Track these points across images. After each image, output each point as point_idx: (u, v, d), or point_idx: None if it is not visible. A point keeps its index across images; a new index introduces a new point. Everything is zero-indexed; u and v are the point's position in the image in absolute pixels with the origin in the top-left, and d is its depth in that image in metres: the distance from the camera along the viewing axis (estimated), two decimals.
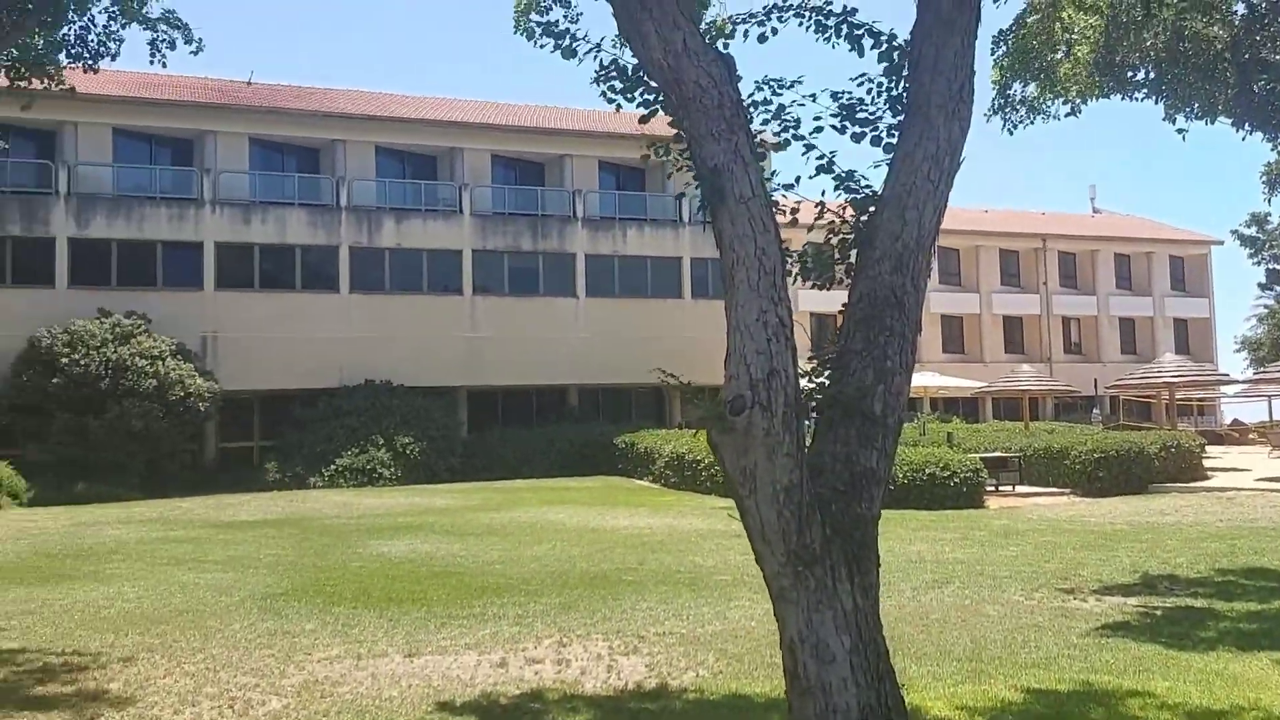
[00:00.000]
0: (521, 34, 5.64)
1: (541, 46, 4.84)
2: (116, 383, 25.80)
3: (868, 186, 4.93)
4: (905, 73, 4.96)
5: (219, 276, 30.20)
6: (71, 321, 26.60)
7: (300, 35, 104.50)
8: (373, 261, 32.20)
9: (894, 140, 4.89)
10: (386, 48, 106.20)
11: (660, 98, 4.52)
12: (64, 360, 25.77)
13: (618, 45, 4.85)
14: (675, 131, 4.38)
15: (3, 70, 9.19)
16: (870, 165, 4.97)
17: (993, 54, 14.76)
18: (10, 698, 6.71)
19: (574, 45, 4.89)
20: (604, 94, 4.85)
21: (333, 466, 27.89)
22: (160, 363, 26.59)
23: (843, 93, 5.12)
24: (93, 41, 8.91)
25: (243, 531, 17.82)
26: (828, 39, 5.30)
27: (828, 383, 4.60)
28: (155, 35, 8.92)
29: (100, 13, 8.73)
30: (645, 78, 4.64)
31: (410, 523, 18.42)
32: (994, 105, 15.29)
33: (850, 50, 5.12)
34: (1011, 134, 15.30)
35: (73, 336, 26.23)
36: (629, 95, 4.78)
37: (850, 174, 4.93)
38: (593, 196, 35.40)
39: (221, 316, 29.86)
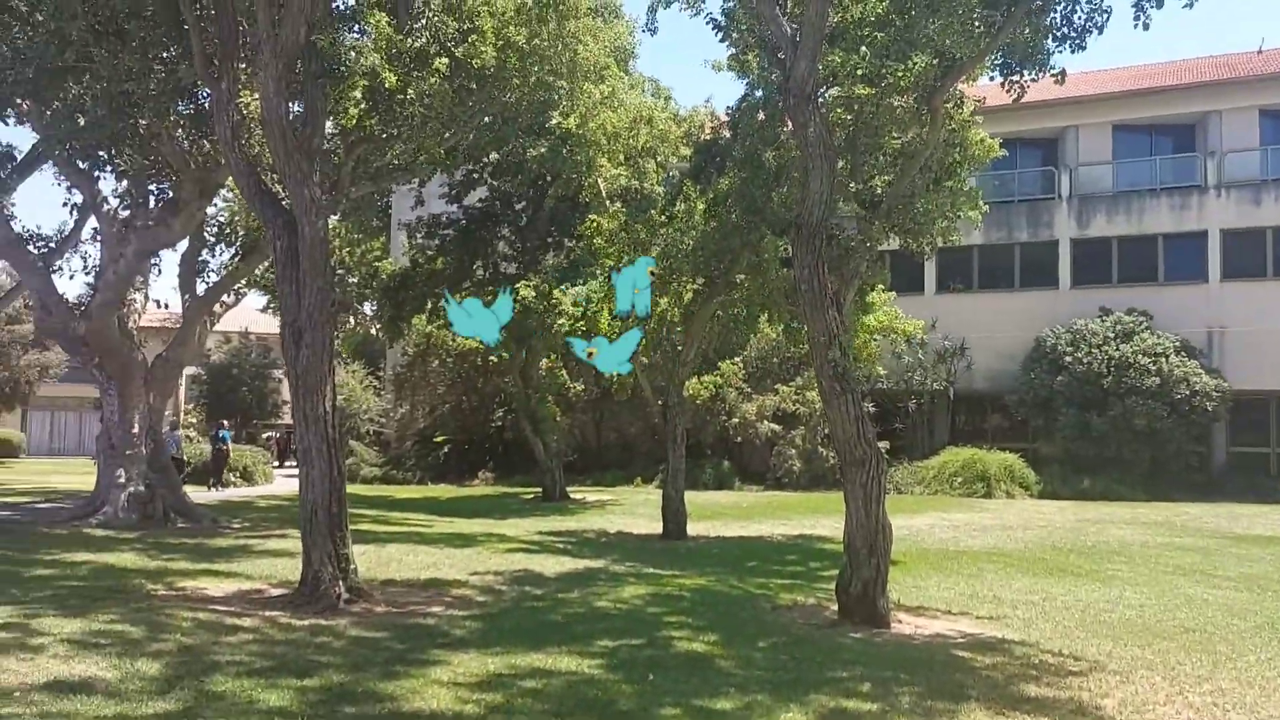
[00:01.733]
0: None
1: None
2: (1118, 380, 25.71)
3: None
4: None
5: (1225, 266, 27.84)
6: (1074, 321, 27.41)
7: None
8: None
9: None
10: None
11: None
12: (1067, 358, 26.61)
13: None
14: None
15: (995, 70, 9.54)
16: None
17: None
18: (1001, 692, 6.55)
19: None
20: None
21: None
22: (1163, 360, 25.70)
23: None
24: (1078, 19, 8.60)
25: (1259, 547, 15.90)
26: None
27: None
28: None
29: None
30: None
31: None
32: None
33: None
34: None
35: (1075, 335, 26.99)
36: None
37: None
38: None
39: (1228, 309, 27.48)
